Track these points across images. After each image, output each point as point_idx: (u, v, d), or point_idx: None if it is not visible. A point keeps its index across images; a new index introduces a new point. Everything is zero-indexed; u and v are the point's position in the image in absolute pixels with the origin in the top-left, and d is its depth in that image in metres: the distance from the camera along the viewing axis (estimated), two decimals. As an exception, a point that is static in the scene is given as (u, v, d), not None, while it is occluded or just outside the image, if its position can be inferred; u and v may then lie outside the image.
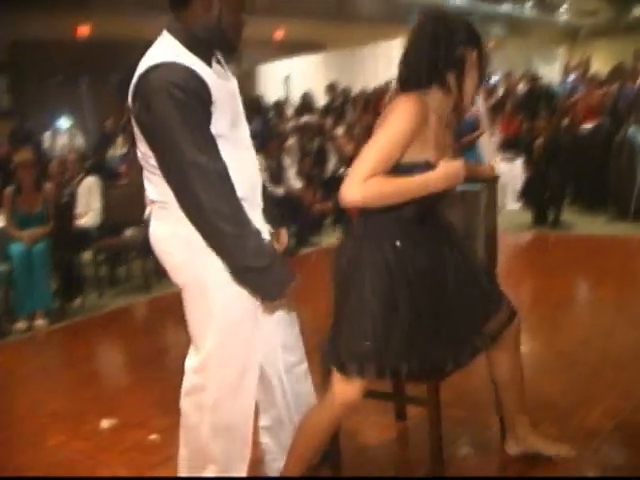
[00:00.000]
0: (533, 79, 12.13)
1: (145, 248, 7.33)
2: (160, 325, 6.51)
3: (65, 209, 7.36)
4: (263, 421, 3.05)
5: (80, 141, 11.84)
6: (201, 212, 2.48)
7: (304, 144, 10.55)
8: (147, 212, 2.78)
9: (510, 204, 10.27)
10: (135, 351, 5.82)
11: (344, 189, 2.57)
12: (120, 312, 6.94)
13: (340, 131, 11.57)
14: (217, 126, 2.53)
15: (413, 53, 2.68)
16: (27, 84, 14.09)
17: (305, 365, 3.07)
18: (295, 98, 13.55)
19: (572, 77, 13.91)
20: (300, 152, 10.37)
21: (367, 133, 11.09)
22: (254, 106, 12.93)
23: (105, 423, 4.23)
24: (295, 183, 9.10)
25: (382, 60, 14.86)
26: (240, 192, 2.60)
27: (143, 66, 2.49)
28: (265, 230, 2.78)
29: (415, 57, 2.68)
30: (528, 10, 24.12)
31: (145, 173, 2.68)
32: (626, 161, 8.92)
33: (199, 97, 2.46)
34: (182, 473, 2.94)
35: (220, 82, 2.60)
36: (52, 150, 11.73)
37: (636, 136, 8.81)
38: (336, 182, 10.34)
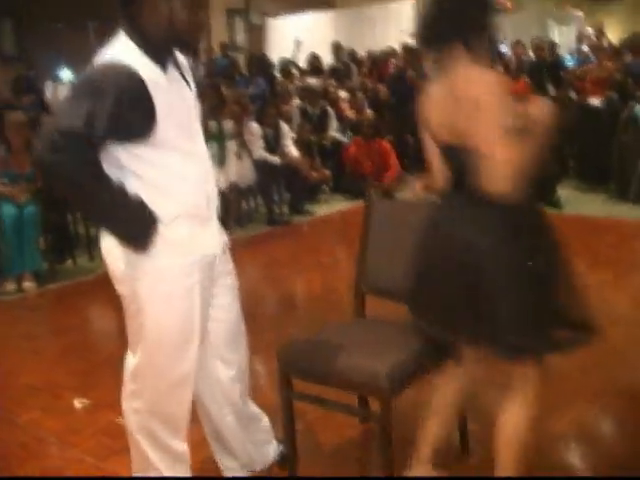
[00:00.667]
0: (539, 48, 11.88)
1: None
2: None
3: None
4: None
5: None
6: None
7: (306, 108, 10.45)
8: None
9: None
10: (121, 320, 5.80)
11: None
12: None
13: (343, 94, 11.45)
14: (161, 133, 2.46)
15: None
16: (33, 28, 13.91)
17: (244, 384, 3.07)
18: (303, 58, 13.34)
19: (584, 47, 13.64)
20: (301, 117, 10.28)
21: (370, 98, 11.14)
22: (259, 64, 12.82)
23: (78, 403, 4.24)
24: (292, 151, 8.99)
25: (392, 22, 14.63)
26: (186, 206, 2.58)
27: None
28: (220, 242, 2.78)
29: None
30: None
31: None
32: (631, 140, 8.77)
33: (125, 94, 2.37)
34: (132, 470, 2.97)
35: (171, 87, 2.52)
36: (54, 101, 11.61)
37: (642, 114, 8.65)
38: (335, 149, 10.41)
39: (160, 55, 2.51)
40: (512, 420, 2.69)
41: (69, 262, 7.35)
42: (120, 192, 2.45)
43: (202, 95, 9.02)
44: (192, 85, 2.69)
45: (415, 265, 2.79)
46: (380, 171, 9.78)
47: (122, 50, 2.47)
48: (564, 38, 17.55)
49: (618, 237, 7.38)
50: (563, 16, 20.37)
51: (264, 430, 3.17)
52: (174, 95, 2.54)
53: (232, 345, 2.96)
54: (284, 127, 9.13)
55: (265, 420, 3.19)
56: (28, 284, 6.61)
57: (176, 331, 2.66)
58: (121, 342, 5.04)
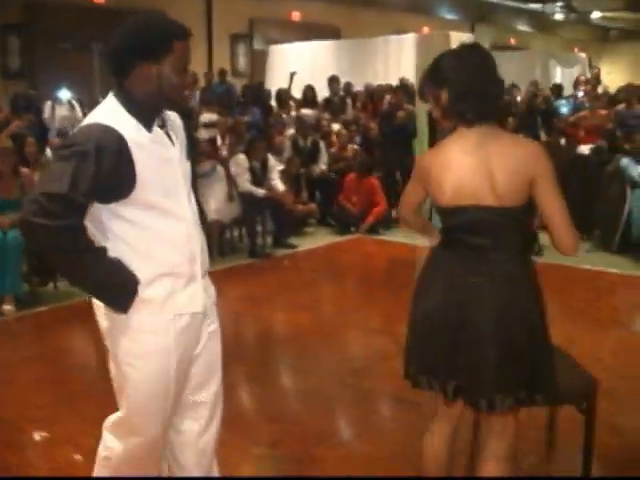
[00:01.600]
0: (534, 95, 12.03)
1: None
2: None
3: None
4: None
5: (79, 114, 11.82)
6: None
7: (297, 140, 10.57)
8: None
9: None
10: (95, 349, 5.91)
11: (570, 241, 2.74)
12: (89, 303, 6.94)
13: (336, 127, 11.57)
14: (143, 190, 2.51)
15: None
16: (39, 47, 14.07)
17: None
18: (300, 89, 13.45)
19: (580, 92, 13.79)
20: (293, 149, 10.39)
21: (361, 133, 11.25)
22: (254, 93, 12.94)
23: (38, 436, 4.31)
24: (277, 185, 9.08)
25: (394, 55, 14.77)
26: (166, 267, 2.61)
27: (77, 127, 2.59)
28: (205, 300, 2.77)
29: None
30: (558, 9, 23.84)
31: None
32: (615, 192, 8.86)
33: (106, 154, 2.43)
34: None
35: (154, 147, 2.58)
36: (52, 121, 11.75)
37: (628, 168, 8.72)
38: (323, 183, 10.51)
39: (146, 116, 2.58)
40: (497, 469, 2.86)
41: (50, 286, 7.42)
42: (101, 256, 2.50)
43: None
44: (178, 144, 2.74)
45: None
46: (368, 207, 9.91)
47: (108, 112, 2.55)
48: (567, 80, 17.65)
49: (594, 291, 7.44)
50: (567, 57, 20.53)
51: None
52: (157, 154, 2.60)
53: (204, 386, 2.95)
54: (271, 160, 9.23)
55: None
56: (8, 307, 6.68)
57: (150, 392, 2.69)
58: (90, 375, 5.20)
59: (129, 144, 2.48)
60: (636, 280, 7.84)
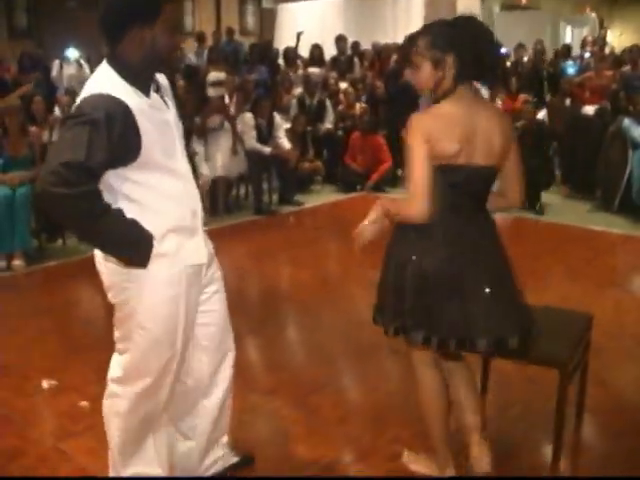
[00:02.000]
0: (539, 53, 12.02)
1: None
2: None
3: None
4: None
5: (87, 73, 11.90)
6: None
7: (304, 99, 10.63)
8: None
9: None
10: (102, 304, 6.07)
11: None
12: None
13: (344, 86, 11.60)
14: (147, 154, 2.64)
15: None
16: (45, 5, 14.08)
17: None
18: (307, 48, 13.46)
19: (587, 54, 13.75)
20: (298, 108, 10.46)
21: (367, 92, 11.28)
22: (262, 52, 12.96)
23: (45, 383, 4.48)
24: (284, 143, 9.19)
25: (401, 13, 14.76)
26: (173, 221, 2.77)
27: (79, 98, 2.62)
28: (207, 252, 2.95)
29: None
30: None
31: None
32: (617, 152, 8.91)
33: (115, 122, 2.52)
34: (110, 466, 3.16)
35: (153, 112, 2.69)
36: (60, 79, 11.84)
37: (630, 128, 8.76)
38: (329, 141, 10.57)
39: (142, 82, 2.68)
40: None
41: (59, 242, 7.57)
42: (119, 217, 2.62)
43: (185, 96, 9.14)
44: (171, 105, 2.86)
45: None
46: (373, 165, 9.99)
47: (107, 81, 2.61)
48: (576, 41, 17.56)
49: (593, 250, 7.52)
50: (577, 18, 20.37)
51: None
52: (157, 119, 2.70)
53: (219, 347, 3.17)
54: (277, 118, 9.32)
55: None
56: (17, 263, 6.85)
57: (160, 336, 2.84)
58: (97, 328, 5.36)
59: (133, 112, 2.57)
60: (635, 240, 7.91)
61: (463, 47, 2.83)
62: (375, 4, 15.38)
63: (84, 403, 4.19)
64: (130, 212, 2.65)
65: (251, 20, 17.25)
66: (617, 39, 22.67)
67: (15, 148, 6.99)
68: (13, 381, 4.52)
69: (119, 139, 2.54)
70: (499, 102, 11.21)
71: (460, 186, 2.91)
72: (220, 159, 8.67)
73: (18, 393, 4.36)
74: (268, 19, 16.87)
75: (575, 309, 4.14)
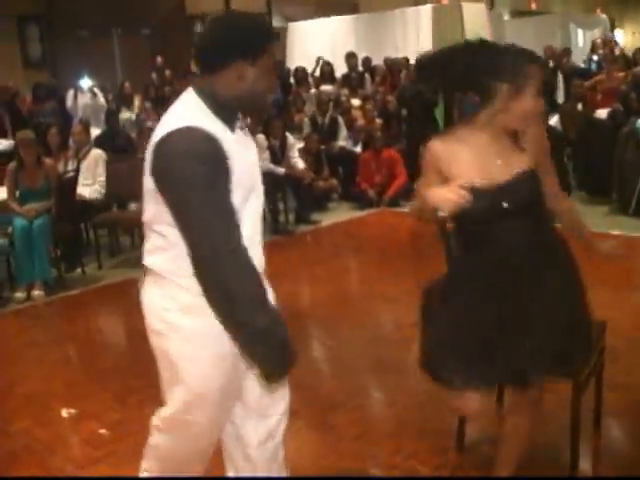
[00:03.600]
0: (558, 57, 12.00)
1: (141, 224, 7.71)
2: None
3: (68, 182, 7.63)
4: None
5: (101, 101, 12.07)
6: (234, 301, 2.35)
7: (316, 117, 10.69)
8: (142, 279, 2.66)
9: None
10: (122, 331, 6.18)
11: None
12: (116, 286, 7.21)
13: (356, 103, 11.66)
14: (236, 197, 2.42)
15: None
16: (59, 35, 14.27)
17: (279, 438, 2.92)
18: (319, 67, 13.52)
19: (596, 57, 13.72)
20: (311, 126, 10.52)
21: (379, 107, 11.32)
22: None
23: (65, 412, 4.54)
24: (298, 162, 9.26)
25: (411, 27, 14.79)
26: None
27: (164, 128, 2.38)
28: (262, 264, 2.70)
29: None
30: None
31: (149, 239, 2.57)
32: (631, 154, 8.88)
33: (222, 168, 2.35)
34: None
35: (241, 152, 2.49)
36: (75, 109, 11.99)
37: (643, 129, 8.73)
38: (344, 158, 10.61)
39: (228, 117, 2.48)
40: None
41: (78, 271, 7.67)
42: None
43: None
44: (253, 145, 2.70)
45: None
46: (390, 181, 10.01)
47: (197, 113, 2.42)
48: (588, 42, 17.53)
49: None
50: (588, 20, 20.33)
51: None
52: (242, 157, 2.50)
53: (266, 411, 2.84)
54: (290, 138, 9.39)
55: None
56: (37, 293, 6.93)
57: (217, 393, 2.60)
58: (117, 355, 5.43)
59: (225, 149, 2.39)
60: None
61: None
62: (385, 19, 15.44)
63: (104, 431, 4.24)
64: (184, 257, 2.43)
65: (262, 40, 17.34)
66: (630, 39, 22.62)
67: (31, 180, 7.10)
68: (35, 410, 4.59)
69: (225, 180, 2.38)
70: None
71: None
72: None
73: (40, 422, 4.43)
74: (278, 38, 16.97)
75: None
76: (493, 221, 2.83)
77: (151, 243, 2.56)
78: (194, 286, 2.41)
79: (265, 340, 2.38)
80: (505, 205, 2.78)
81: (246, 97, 2.47)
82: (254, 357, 2.45)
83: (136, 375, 4.84)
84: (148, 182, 2.42)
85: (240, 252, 2.34)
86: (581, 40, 18.88)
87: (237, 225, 2.37)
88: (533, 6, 23.98)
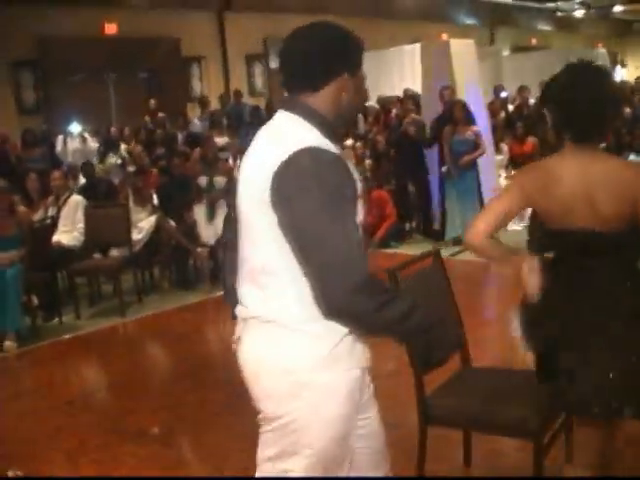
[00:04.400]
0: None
1: (120, 271, 7.62)
2: (120, 354, 6.63)
3: (43, 230, 7.51)
4: None
5: (91, 146, 12.00)
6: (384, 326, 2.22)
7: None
8: (239, 329, 2.44)
9: (512, 225, 10.11)
10: (85, 383, 6.01)
11: None
12: (91, 335, 7.09)
13: (349, 142, 11.53)
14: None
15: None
16: (53, 81, 14.25)
17: None
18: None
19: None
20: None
21: (372, 146, 11.19)
22: (266, 113, 12.98)
23: (11, 473, 4.33)
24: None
25: (407, 65, 14.70)
26: None
27: (276, 152, 2.17)
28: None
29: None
30: (576, 5, 23.59)
31: (252, 283, 2.34)
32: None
33: (353, 190, 2.21)
34: None
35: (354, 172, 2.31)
36: (64, 154, 11.92)
37: (633, 164, 8.56)
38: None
39: (335, 135, 2.31)
40: None
41: (56, 320, 7.50)
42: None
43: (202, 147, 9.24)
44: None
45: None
46: (380, 221, 9.84)
47: (310, 133, 2.24)
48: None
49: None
50: (587, 54, 20.18)
51: None
52: (358, 179, 2.34)
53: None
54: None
55: None
56: (8, 343, 6.74)
57: (330, 458, 2.35)
58: (76, 409, 5.23)
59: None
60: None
61: (554, 98, 2.83)
62: (381, 56, 15.34)
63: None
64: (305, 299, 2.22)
65: (259, 81, 17.31)
66: (634, 72, 22.56)
67: (3, 228, 6.94)
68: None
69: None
70: (505, 147, 11.07)
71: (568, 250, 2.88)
72: (222, 222, 8.54)
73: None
74: (276, 79, 16.90)
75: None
76: None
77: (265, 290, 2.29)
78: (328, 332, 2.24)
79: (421, 335, 2.27)
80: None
81: (346, 112, 2.34)
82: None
83: (91, 430, 4.68)
84: (260, 219, 2.23)
85: (372, 278, 2.16)
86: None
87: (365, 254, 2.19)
88: (534, 41, 23.99)
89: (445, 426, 3.43)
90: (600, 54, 20.50)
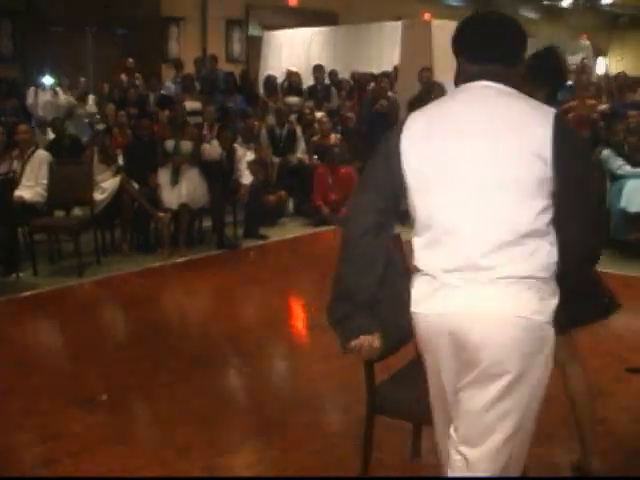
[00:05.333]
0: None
1: (80, 230, 7.50)
2: (75, 315, 6.53)
3: (4, 183, 7.36)
4: None
5: (62, 99, 11.77)
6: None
7: (274, 129, 10.43)
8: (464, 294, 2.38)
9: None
10: (38, 343, 5.93)
11: None
12: (48, 294, 6.98)
13: (319, 115, 11.42)
14: None
15: None
16: (32, 31, 14.00)
17: None
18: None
19: (570, 82, 13.50)
20: (269, 137, 10.26)
21: (342, 122, 11.06)
22: (241, 81, 12.83)
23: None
24: (244, 176, 8.96)
25: (387, 42, 14.53)
26: None
27: (535, 111, 2.39)
28: None
29: None
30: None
31: (508, 245, 2.34)
32: (596, 186, 8.63)
33: None
34: None
35: None
36: (35, 107, 11.70)
37: (608, 160, 8.49)
38: (300, 172, 10.35)
39: None
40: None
41: (13, 276, 7.35)
42: None
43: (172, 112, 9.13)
44: None
45: None
46: (344, 199, 9.73)
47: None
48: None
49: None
50: (571, 45, 20.25)
51: None
52: None
53: None
54: (239, 150, 9.08)
55: None
56: (-37, 297, 6.64)
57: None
58: (24, 371, 5.12)
59: None
60: (610, 277, 7.63)
61: None
62: (361, 31, 15.18)
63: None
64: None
65: (237, 47, 17.10)
66: (617, 64, 22.60)
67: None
68: None
69: None
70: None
71: None
72: (185, 187, 8.41)
73: None
74: (254, 47, 16.70)
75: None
76: None
77: (527, 247, 2.33)
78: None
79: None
80: None
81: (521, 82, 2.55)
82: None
83: (37, 394, 4.62)
84: (531, 172, 2.32)
85: None
86: (563, 65, 18.75)
87: None
88: (520, 29, 23.84)
89: (393, 418, 3.39)
90: (583, 45, 20.54)
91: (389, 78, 11.62)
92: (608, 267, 7.69)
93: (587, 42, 21.07)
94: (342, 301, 2.55)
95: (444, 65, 9.93)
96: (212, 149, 8.84)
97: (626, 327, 5.61)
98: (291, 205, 10.49)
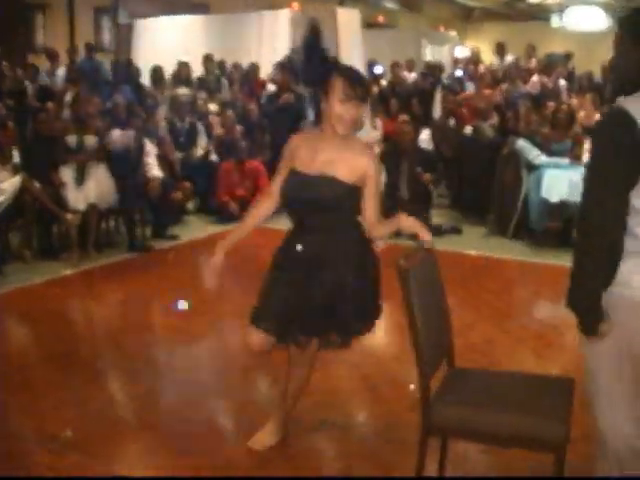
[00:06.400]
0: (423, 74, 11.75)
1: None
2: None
3: None
4: None
5: None
6: None
7: (174, 122, 9.83)
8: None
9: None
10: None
11: None
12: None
13: (213, 107, 10.87)
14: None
15: None
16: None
17: None
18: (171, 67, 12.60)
19: (460, 72, 13.57)
20: (169, 131, 9.64)
21: (240, 115, 10.58)
22: (125, 71, 12.13)
23: None
24: (151, 170, 8.33)
25: (267, 31, 14.11)
26: None
27: None
28: None
29: None
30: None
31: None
32: (511, 175, 8.56)
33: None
34: None
35: None
36: None
37: (524, 150, 8.40)
38: (203, 167, 9.79)
39: None
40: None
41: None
42: None
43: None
44: None
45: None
46: (255, 193, 9.25)
47: None
48: (438, 58, 17.61)
49: (490, 278, 7.20)
50: (437, 36, 20.53)
51: None
52: None
53: None
54: (147, 144, 8.45)
55: None
56: None
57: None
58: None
59: None
60: (530, 267, 7.63)
61: None
62: (239, 20, 14.68)
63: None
64: None
65: (107, 36, 16.20)
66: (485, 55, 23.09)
67: None
68: None
69: None
70: (379, 123, 10.81)
71: None
72: (93, 187, 7.70)
73: None
74: (124, 35, 15.87)
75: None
76: (298, 212, 3.52)
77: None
78: None
79: None
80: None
81: None
82: None
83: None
84: None
85: None
86: (430, 56, 18.87)
87: None
88: (380, 19, 23.90)
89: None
90: (450, 36, 20.85)
91: (291, 70, 11.19)
92: (527, 256, 7.75)
93: (453, 33, 21.42)
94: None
95: (348, 55, 9.68)
96: (123, 135, 8.18)
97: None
98: (192, 203, 9.88)
